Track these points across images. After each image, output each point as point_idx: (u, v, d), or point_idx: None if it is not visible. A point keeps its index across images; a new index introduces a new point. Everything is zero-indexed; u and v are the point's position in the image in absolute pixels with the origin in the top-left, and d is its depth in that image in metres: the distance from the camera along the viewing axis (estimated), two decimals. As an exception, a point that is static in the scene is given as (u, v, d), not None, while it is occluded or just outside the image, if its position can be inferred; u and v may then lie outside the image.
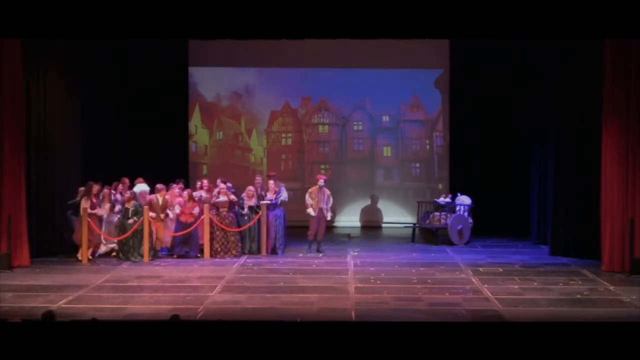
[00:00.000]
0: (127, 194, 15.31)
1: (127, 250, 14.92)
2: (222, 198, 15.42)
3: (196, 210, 15.28)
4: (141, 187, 15.75)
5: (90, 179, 15.45)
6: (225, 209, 15.44)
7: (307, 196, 15.93)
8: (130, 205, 15.00)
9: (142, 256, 14.84)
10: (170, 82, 19.42)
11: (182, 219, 15.31)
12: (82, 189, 15.17)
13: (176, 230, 15.34)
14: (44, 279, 13.25)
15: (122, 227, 14.98)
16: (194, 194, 15.62)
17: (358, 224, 20.02)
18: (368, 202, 20.18)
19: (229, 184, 16.02)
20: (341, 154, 20.41)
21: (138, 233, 14.90)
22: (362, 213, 20.16)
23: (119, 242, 15.03)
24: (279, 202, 15.77)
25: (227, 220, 15.39)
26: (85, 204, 14.92)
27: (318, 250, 15.72)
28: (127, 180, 15.94)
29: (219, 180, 16.09)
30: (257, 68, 20.06)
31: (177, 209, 15.33)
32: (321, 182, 15.90)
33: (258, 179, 16.47)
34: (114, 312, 11.00)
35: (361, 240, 17.97)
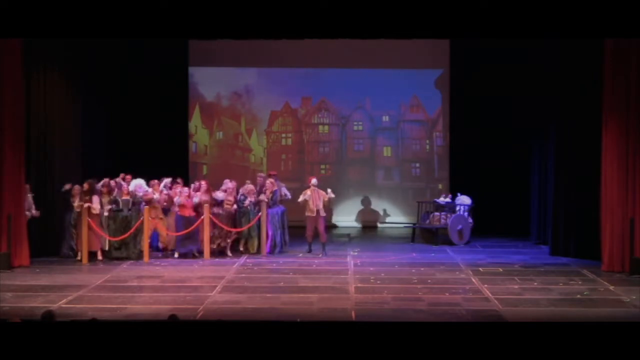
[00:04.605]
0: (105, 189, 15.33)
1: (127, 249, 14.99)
2: (195, 200, 15.35)
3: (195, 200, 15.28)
4: (137, 181, 15.70)
5: (90, 179, 15.42)
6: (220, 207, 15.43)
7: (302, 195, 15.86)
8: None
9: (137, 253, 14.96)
10: (170, 82, 19.43)
11: (183, 213, 15.26)
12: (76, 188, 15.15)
13: (178, 225, 15.29)
14: (44, 279, 13.25)
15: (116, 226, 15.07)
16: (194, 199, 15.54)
17: (358, 224, 20.03)
18: (368, 202, 20.18)
19: (229, 182, 16.01)
20: (341, 154, 20.42)
21: (137, 232, 14.99)
22: (362, 213, 20.16)
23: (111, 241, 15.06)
24: (277, 199, 15.79)
25: (223, 219, 15.39)
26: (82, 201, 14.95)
27: (323, 251, 15.63)
28: (129, 177, 15.95)
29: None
30: (257, 68, 20.06)
31: (177, 200, 15.28)
32: (314, 181, 15.88)
33: (260, 177, 16.48)
34: (114, 312, 10.99)
35: (361, 240, 17.97)
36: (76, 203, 14.94)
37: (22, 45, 14.04)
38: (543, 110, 16.24)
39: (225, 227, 15.32)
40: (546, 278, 13.29)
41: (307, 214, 15.71)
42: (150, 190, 15.45)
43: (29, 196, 14.57)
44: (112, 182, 15.50)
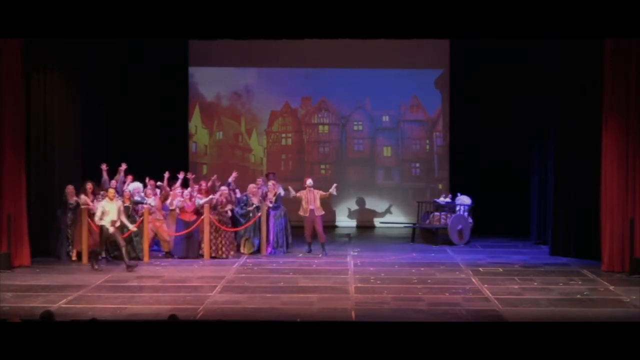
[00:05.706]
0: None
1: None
2: (199, 202, 15.32)
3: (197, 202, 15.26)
4: (135, 185, 15.66)
5: (90, 179, 15.41)
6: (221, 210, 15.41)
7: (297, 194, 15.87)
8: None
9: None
10: (170, 82, 19.43)
11: (184, 217, 15.25)
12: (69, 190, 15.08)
13: (178, 229, 15.28)
14: (44, 279, 13.25)
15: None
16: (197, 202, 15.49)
17: (358, 224, 20.03)
18: (368, 202, 20.18)
19: (230, 181, 16.00)
20: (341, 154, 20.42)
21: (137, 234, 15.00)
22: (362, 213, 20.16)
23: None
24: (280, 203, 15.79)
25: (222, 220, 15.38)
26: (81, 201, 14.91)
27: (323, 251, 15.60)
28: (130, 178, 15.90)
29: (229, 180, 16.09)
30: (257, 68, 20.06)
31: (177, 202, 15.25)
32: (309, 182, 15.89)
33: (259, 181, 16.45)
34: (114, 312, 11.00)
35: (361, 240, 17.96)
36: (82, 200, 14.88)
37: (22, 45, 14.04)
38: (543, 110, 16.24)
39: (220, 225, 15.25)
40: (546, 278, 13.29)
41: (300, 213, 15.74)
42: (146, 200, 15.35)
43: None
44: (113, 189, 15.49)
